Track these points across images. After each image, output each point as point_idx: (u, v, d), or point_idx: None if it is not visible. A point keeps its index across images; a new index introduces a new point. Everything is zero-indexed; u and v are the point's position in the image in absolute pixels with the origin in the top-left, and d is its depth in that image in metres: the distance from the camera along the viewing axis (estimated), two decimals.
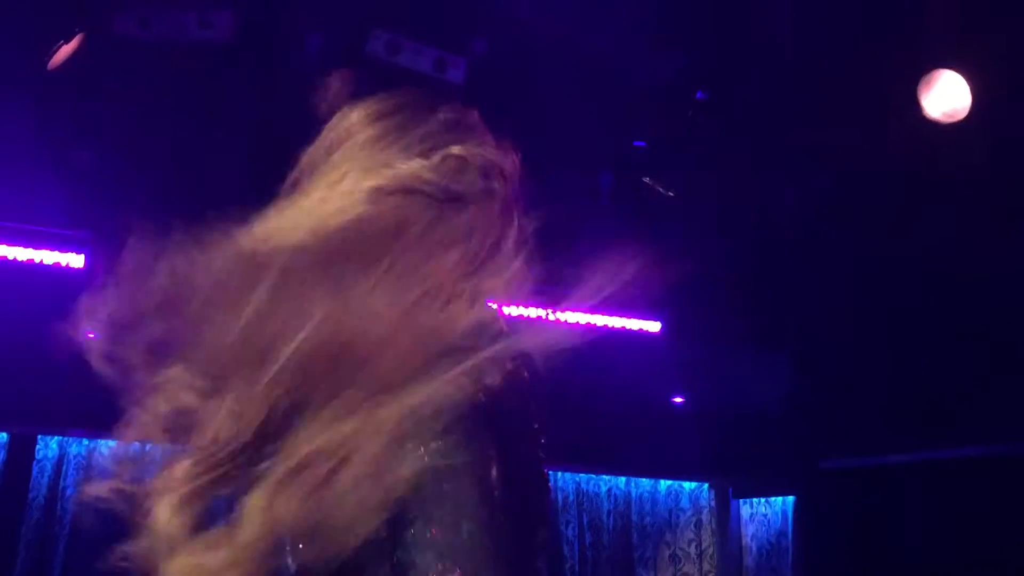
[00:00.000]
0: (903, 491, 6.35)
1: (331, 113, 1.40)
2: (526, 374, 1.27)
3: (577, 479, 7.40)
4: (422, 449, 1.14)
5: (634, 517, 7.55)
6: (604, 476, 7.49)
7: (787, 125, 4.30)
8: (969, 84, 3.55)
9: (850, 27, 3.79)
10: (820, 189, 4.70)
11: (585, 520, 7.37)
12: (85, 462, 6.32)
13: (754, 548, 7.56)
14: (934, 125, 3.67)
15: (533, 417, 1.28)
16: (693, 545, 7.61)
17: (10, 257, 4.66)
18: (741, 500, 7.68)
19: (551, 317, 5.53)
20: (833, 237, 4.99)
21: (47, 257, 4.70)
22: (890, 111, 3.88)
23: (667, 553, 7.56)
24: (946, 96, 3.60)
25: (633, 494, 7.60)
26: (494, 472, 1.14)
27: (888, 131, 4.05)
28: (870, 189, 4.65)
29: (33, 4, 3.56)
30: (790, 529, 7.32)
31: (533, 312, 5.38)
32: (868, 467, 6.80)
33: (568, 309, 5.53)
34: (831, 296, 5.46)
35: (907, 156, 4.17)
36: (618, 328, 5.66)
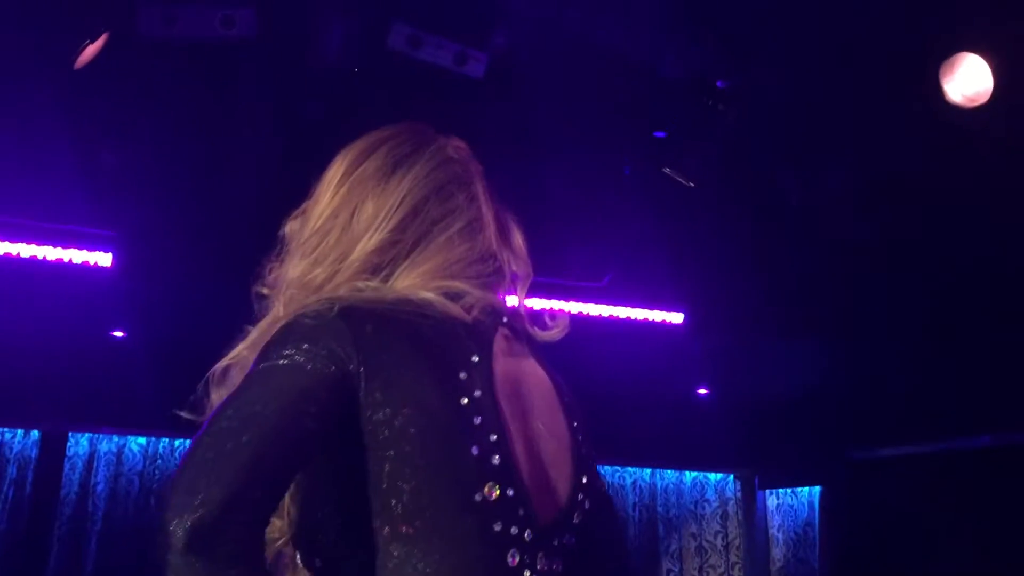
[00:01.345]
0: (931, 481, 6.32)
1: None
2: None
3: (602, 472, 7.39)
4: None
5: (659, 509, 7.55)
6: (629, 468, 7.49)
7: (812, 112, 4.28)
8: (991, 67, 3.52)
9: (873, 11, 3.77)
10: (846, 176, 4.68)
11: None
12: (115, 459, 6.40)
13: (781, 539, 7.54)
14: (960, 111, 3.64)
15: (458, 366, 1.25)
16: (719, 536, 7.60)
17: (39, 256, 4.71)
18: (767, 491, 7.65)
19: (574, 309, 5.55)
20: (860, 224, 4.96)
21: (75, 256, 4.75)
22: (917, 96, 3.85)
23: (693, 545, 7.55)
24: (968, 80, 3.57)
25: (658, 486, 7.60)
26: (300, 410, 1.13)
27: (916, 116, 4.02)
28: (898, 175, 4.62)
29: (59, 4, 3.59)
30: (817, 520, 7.30)
31: (556, 304, 5.40)
32: (895, 457, 6.76)
33: (591, 301, 5.55)
34: (857, 284, 5.43)
35: (934, 143, 4.14)
36: (641, 320, 5.65)
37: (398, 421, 1.17)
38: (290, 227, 1.39)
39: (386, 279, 1.32)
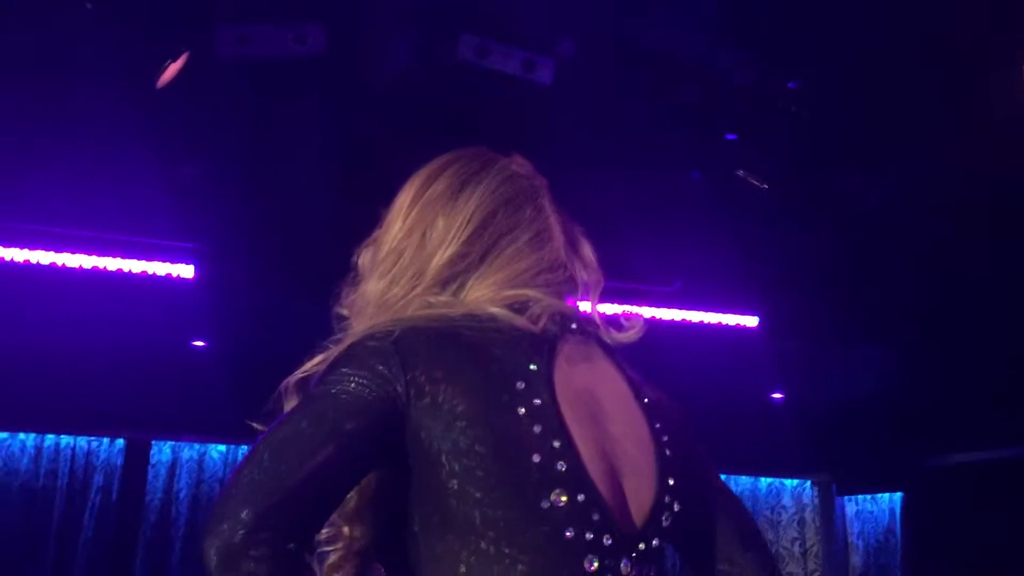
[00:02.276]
0: (1014, 487, 6.14)
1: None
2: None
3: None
4: None
5: None
6: None
7: (883, 112, 4.21)
8: None
9: (946, 10, 3.70)
10: (922, 179, 4.59)
11: None
12: (196, 466, 6.55)
13: (861, 546, 7.39)
14: None
15: (515, 375, 1.26)
16: (797, 544, 7.48)
17: (124, 269, 4.87)
18: (846, 497, 7.51)
19: (646, 314, 5.53)
20: (939, 227, 4.86)
21: (159, 268, 4.90)
22: (989, 97, 3.76)
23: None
24: None
25: (733, 492, 7.50)
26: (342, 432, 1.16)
27: (988, 118, 3.93)
28: (973, 178, 4.52)
29: (142, 25, 3.72)
30: (898, 527, 7.14)
31: (628, 308, 5.39)
32: (979, 462, 6.59)
33: (664, 305, 5.53)
34: (936, 288, 5.32)
35: (1005, 144, 4.04)
36: (715, 324, 5.61)
37: (455, 436, 1.19)
38: (362, 258, 1.42)
39: (457, 291, 1.34)
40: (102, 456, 6.38)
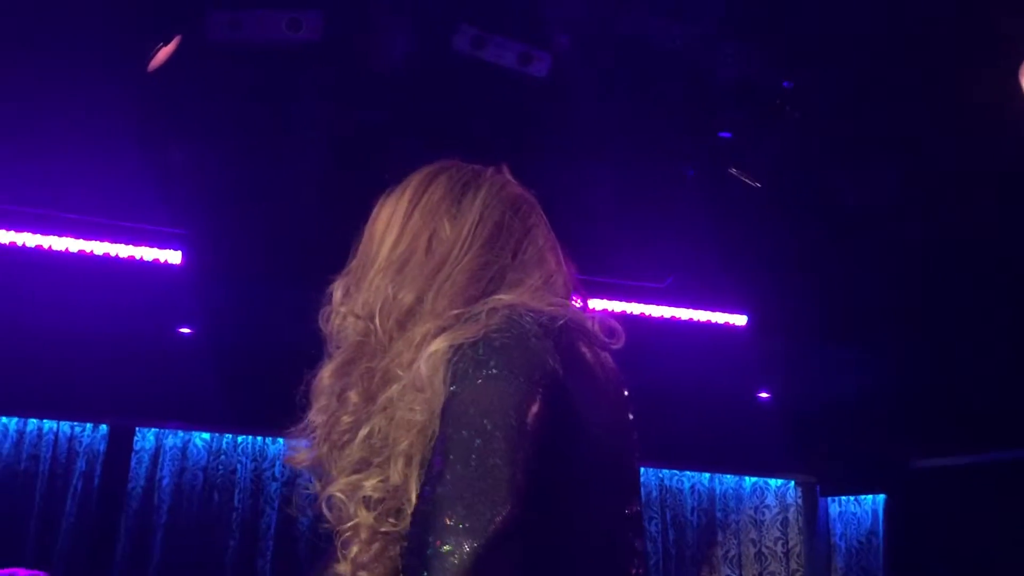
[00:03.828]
0: (998, 491, 6.16)
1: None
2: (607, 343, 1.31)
3: (660, 475, 7.36)
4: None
5: (718, 514, 7.47)
6: (687, 472, 7.43)
7: (870, 111, 4.21)
8: None
9: (935, 14, 3.70)
10: (911, 179, 4.59)
11: (668, 517, 7.32)
12: (180, 453, 6.52)
13: (843, 547, 7.42)
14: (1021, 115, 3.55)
15: (616, 383, 1.30)
16: (780, 543, 7.49)
17: (111, 253, 4.83)
18: (830, 498, 7.54)
19: (635, 310, 5.52)
20: (926, 229, 4.86)
21: (146, 254, 4.86)
22: (979, 93, 3.76)
23: (753, 551, 7.46)
24: None
25: (717, 491, 7.52)
26: (532, 412, 1.12)
27: (980, 117, 3.93)
28: (964, 178, 4.52)
29: (133, 8, 3.68)
30: (881, 528, 7.17)
31: (617, 306, 5.38)
32: (962, 466, 6.62)
33: (653, 302, 5.52)
34: (924, 290, 5.33)
35: (997, 143, 4.05)
36: (703, 322, 5.60)
37: (584, 437, 1.20)
38: (337, 288, 1.39)
39: (493, 295, 1.31)
40: (85, 441, 6.35)
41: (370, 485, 1.23)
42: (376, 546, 1.22)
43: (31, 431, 6.28)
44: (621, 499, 1.22)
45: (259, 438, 6.63)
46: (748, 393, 6.77)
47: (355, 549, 1.24)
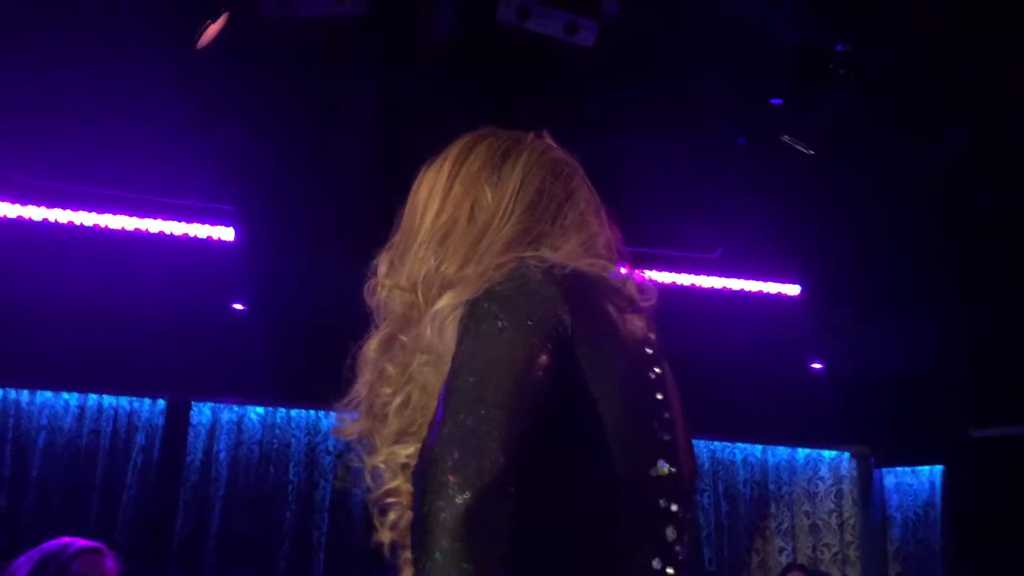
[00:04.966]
0: None
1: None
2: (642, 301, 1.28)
3: (712, 447, 7.31)
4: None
5: (771, 486, 7.42)
6: (740, 444, 7.38)
7: (932, 76, 4.10)
8: None
9: None
10: (967, 146, 4.47)
11: (720, 489, 7.29)
12: (236, 428, 6.63)
13: (899, 519, 7.32)
14: None
15: (642, 343, 1.26)
16: (834, 515, 7.42)
17: (166, 232, 4.90)
18: (885, 469, 7.44)
19: (686, 281, 5.48)
20: (983, 193, 4.74)
21: (199, 231, 4.92)
22: None
23: (807, 523, 7.41)
24: None
25: (770, 462, 7.47)
26: (539, 363, 1.10)
27: None
28: (1017, 146, 4.40)
29: None
30: (939, 500, 7.06)
31: (668, 277, 5.34)
32: (1022, 434, 6.48)
33: (704, 273, 5.47)
34: (979, 256, 5.21)
35: None
36: (756, 292, 5.54)
37: (596, 390, 1.18)
38: (382, 260, 1.39)
39: None
40: (144, 416, 6.48)
41: (406, 453, 1.24)
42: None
43: (91, 406, 6.42)
44: (641, 459, 1.19)
45: (312, 412, 6.71)
46: (801, 364, 6.69)
47: (392, 516, 1.25)
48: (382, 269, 1.38)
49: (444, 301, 1.23)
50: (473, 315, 1.17)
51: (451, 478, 1.02)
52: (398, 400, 1.27)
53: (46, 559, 2.51)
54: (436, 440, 1.06)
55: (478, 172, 1.35)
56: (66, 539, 2.59)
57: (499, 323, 1.14)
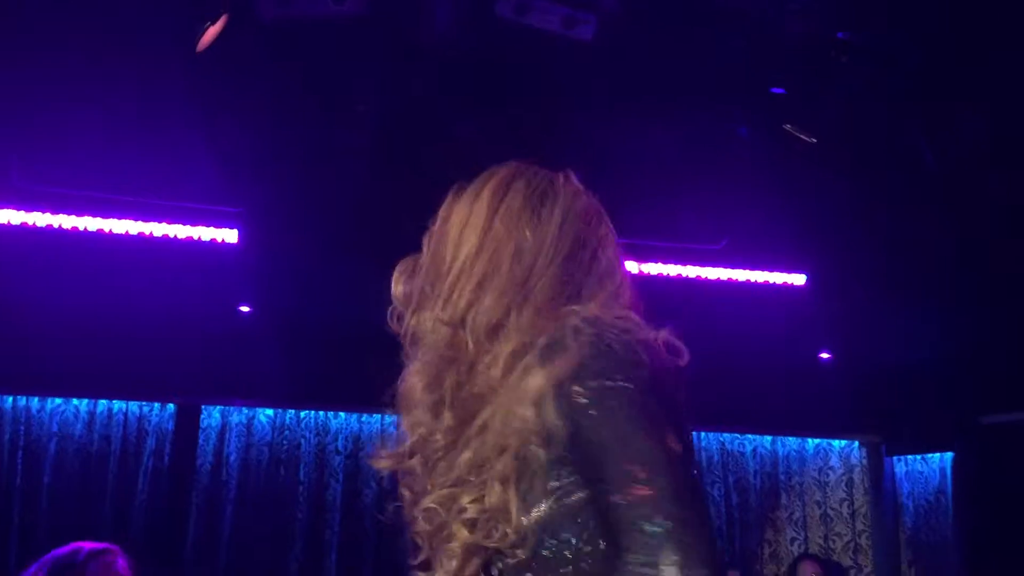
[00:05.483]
0: None
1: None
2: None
3: (721, 439, 7.31)
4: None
5: (781, 476, 7.42)
6: (749, 435, 7.37)
7: (942, 63, 4.08)
8: None
9: None
10: (975, 133, 4.45)
11: (731, 480, 7.28)
12: (245, 430, 6.64)
13: (911, 506, 7.31)
14: None
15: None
16: (845, 504, 7.42)
17: (170, 235, 4.90)
18: (895, 457, 7.43)
19: (691, 273, 5.46)
20: (992, 182, 4.73)
21: (203, 234, 4.92)
22: None
23: (818, 512, 7.40)
24: None
25: (780, 453, 7.46)
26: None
27: None
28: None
29: None
30: (949, 487, 7.05)
31: (673, 269, 5.33)
32: None
33: (711, 264, 5.46)
34: (988, 244, 5.19)
35: None
36: (762, 283, 5.52)
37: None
38: (411, 280, 1.40)
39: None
40: (153, 421, 6.49)
41: (466, 501, 1.25)
42: (476, 561, 1.25)
43: (101, 412, 6.44)
44: None
45: (321, 412, 6.72)
46: (809, 354, 6.68)
47: (455, 564, 1.26)
48: (401, 291, 1.40)
49: (538, 381, 1.23)
50: (586, 392, 1.20)
51: (701, 552, 1.11)
52: (466, 455, 1.27)
53: (59, 566, 2.51)
54: (677, 513, 1.13)
55: (519, 212, 1.36)
56: (75, 544, 2.59)
57: (621, 383, 1.19)
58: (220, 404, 6.59)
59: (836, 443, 7.51)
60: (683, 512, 1.12)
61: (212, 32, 3.53)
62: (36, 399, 6.33)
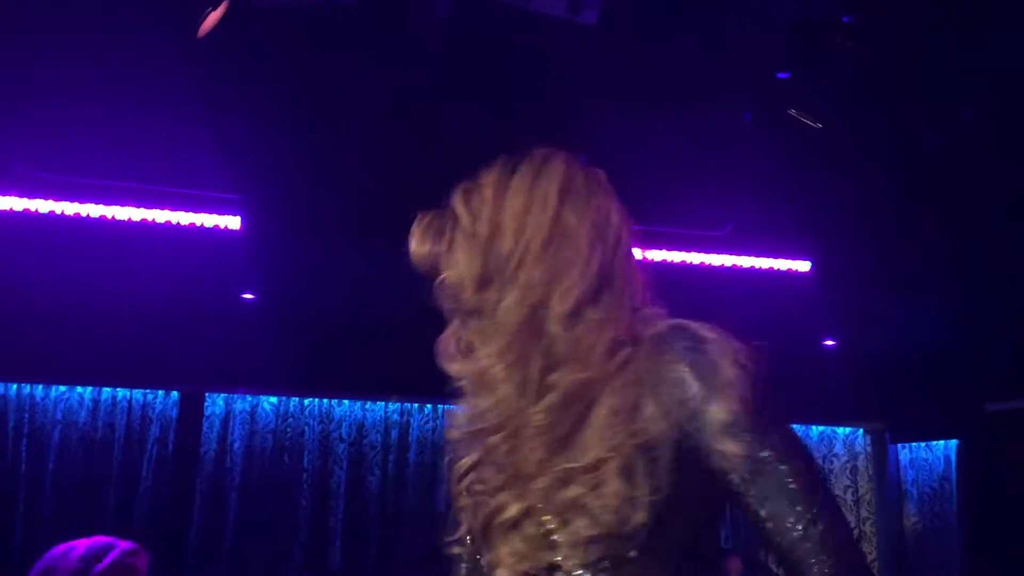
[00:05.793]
0: None
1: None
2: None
3: None
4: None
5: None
6: None
7: (947, 48, 4.05)
8: None
9: None
10: (981, 121, 4.43)
11: None
12: (249, 417, 6.65)
13: (915, 494, 7.31)
14: None
15: None
16: (849, 491, 7.42)
17: (173, 222, 4.89)
18: (900, 445, 7.42)
19: (695, 260, 5.44)
20: (999, 171, 4.70)
21: (206, 220, 4.91)
22: None
23: None
24: None
25: None
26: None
27: None
28: None
29: None
30: (954, 474, 7.05)
31: (677, 256, 5.31)
32: None
33: (716, 251, 5.44)
34: (993, 231, 5.17)
35: None
36: (766, 269, 5.50)
37: None
38: (454, 246, 1.40)
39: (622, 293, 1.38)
40: (158, 408, 6.50)
41: (580, 490, 1.25)
42: (593, 549, 1.25)
43: (106, 400, 6.45)
44: None
45: (325, 400, 6.73)
46: (813, 341, 6.66)
47: (567, 551, 1.25)
48: (436, 257, 1.40)
49: (599, 336, 1.30)
50: (767, 404, 1.26)
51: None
52: (582, 439, 1.27)
53: (92, 556, 2.48)
54: (844, 535, 1.22)
55: (586, 200, 1.39)
56: (106, 539, 2.55)
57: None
58: (224, 392, 6.60)
59: (840, 430, 7.50)
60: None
61: (213, 18, 3.51)
62: (40, 387, 6.35)
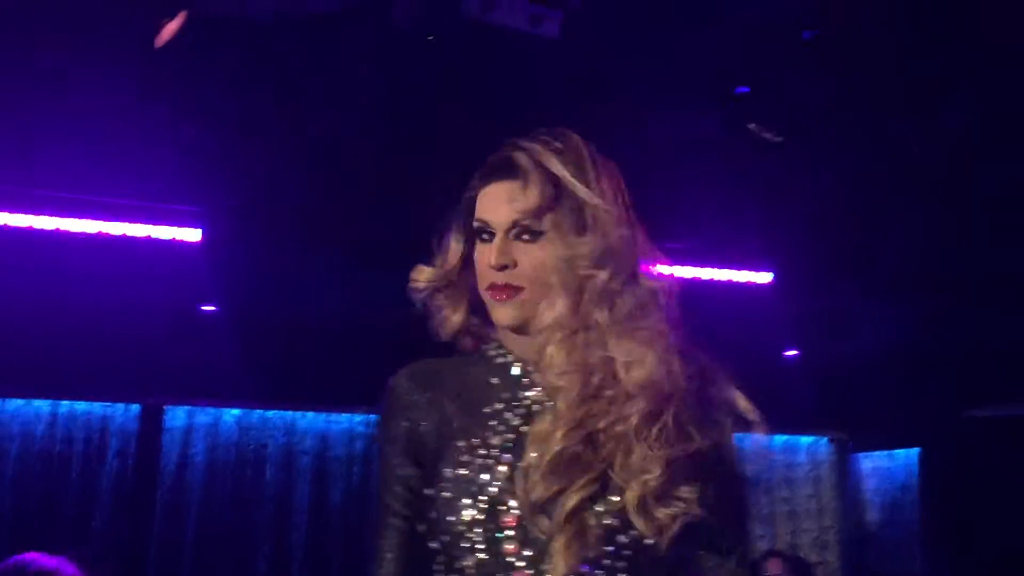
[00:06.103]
0: None
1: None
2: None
3: None
4: None
5: (748, 473, 7.44)
6: None
7: (910, 59, 4.08)
8: None
9: None
10: (945, 128, 4.47)
11: None
12: (211, 430, 6.58)
13: (878, 503, 7.38)
14: None
15: None
16: (812, 500, 7.47)
17: (129, 234, 4.84)
18: (862, 454, 7.49)
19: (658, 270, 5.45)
20: (961, 178, 4.76)
21: (164, 232, 4.86)
22: None
23: (785, 509, 7.44)
24: None
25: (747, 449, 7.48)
26: None
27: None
28: (1001, 128, 4.40)
29: None
30: (915, 483, 7.12)
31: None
32: (999, 417, 6.54)
33: (676, 263, 5.46)
34: (953, 239, 5.23)
35: None
36: (726, 280, 5.54)
37: None
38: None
39: None
40: (117, 421, 6.41)
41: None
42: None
43: (63, 413, 6.35)
44: None
45: (288, 412, 6.67)
46: (775, 351, 6.71)
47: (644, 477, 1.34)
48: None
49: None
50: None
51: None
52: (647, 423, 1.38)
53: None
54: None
55: (610, 175, 1.50)
56: (30, 554, 2.50)
57: None
58: (185, 404, 6.52)
59: (803, 439, 7.55)
60: None
61: (170, 28, 3.48)
62: None
